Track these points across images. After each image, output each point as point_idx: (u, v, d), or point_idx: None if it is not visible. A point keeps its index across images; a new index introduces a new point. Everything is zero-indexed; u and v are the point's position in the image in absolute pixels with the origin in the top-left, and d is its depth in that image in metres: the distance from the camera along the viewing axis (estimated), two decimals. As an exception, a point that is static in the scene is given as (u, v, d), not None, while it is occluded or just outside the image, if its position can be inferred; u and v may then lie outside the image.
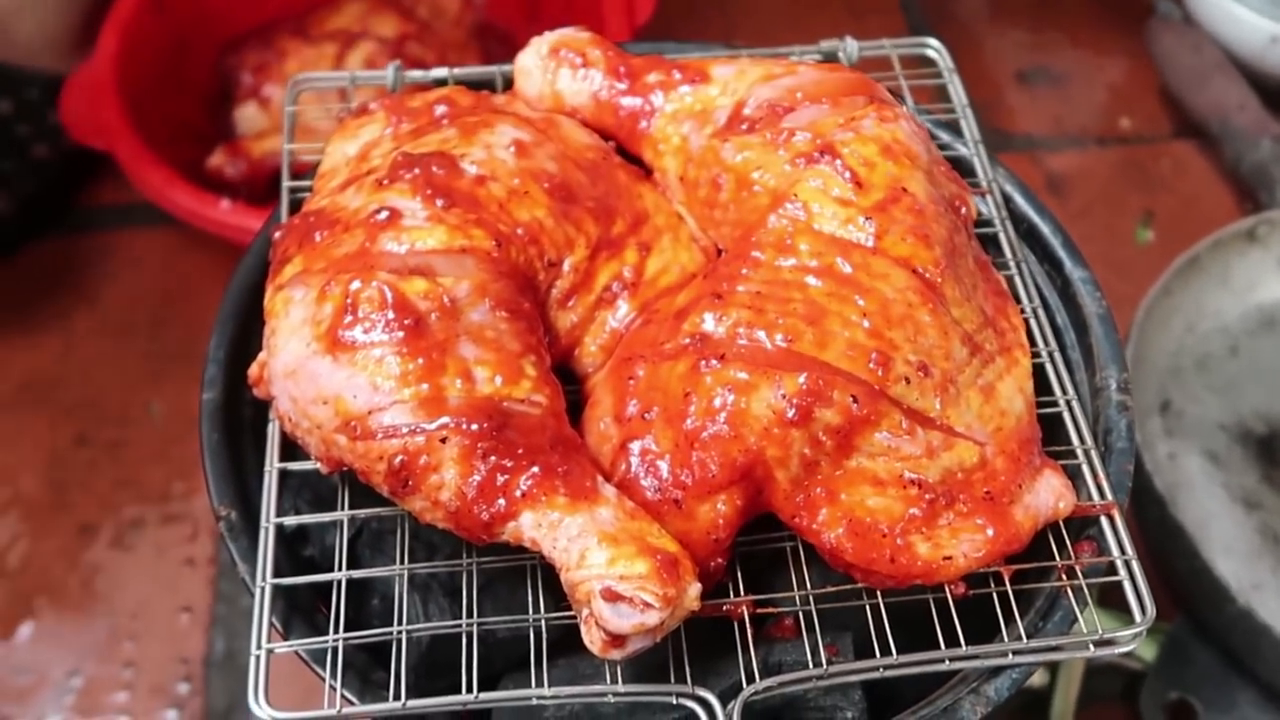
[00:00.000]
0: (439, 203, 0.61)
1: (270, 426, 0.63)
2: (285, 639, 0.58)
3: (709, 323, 0.59)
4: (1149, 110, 1.37)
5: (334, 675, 0.56)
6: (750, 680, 0.55)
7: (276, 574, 0.58)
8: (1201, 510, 1.03)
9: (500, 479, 0.54)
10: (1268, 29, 1.27)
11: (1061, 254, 0.72)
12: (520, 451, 0.55)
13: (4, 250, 1.21)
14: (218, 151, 1.18)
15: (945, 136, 0.77)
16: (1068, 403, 0.65)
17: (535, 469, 0.54)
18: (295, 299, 0.59)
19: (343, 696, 0.56)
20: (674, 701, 0.55)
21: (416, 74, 0.78)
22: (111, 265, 1.22)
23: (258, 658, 0.54)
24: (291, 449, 0.62)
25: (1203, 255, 1.12)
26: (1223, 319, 1.15)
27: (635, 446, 0.57)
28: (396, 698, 0.54)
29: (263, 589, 0.57)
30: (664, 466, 0.56)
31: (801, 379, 0.56)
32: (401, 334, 0.56)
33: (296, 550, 0.64)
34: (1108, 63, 1.42)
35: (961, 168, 0.73)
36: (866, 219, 0.60)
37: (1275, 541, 1.02)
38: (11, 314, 1.18)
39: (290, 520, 0.61)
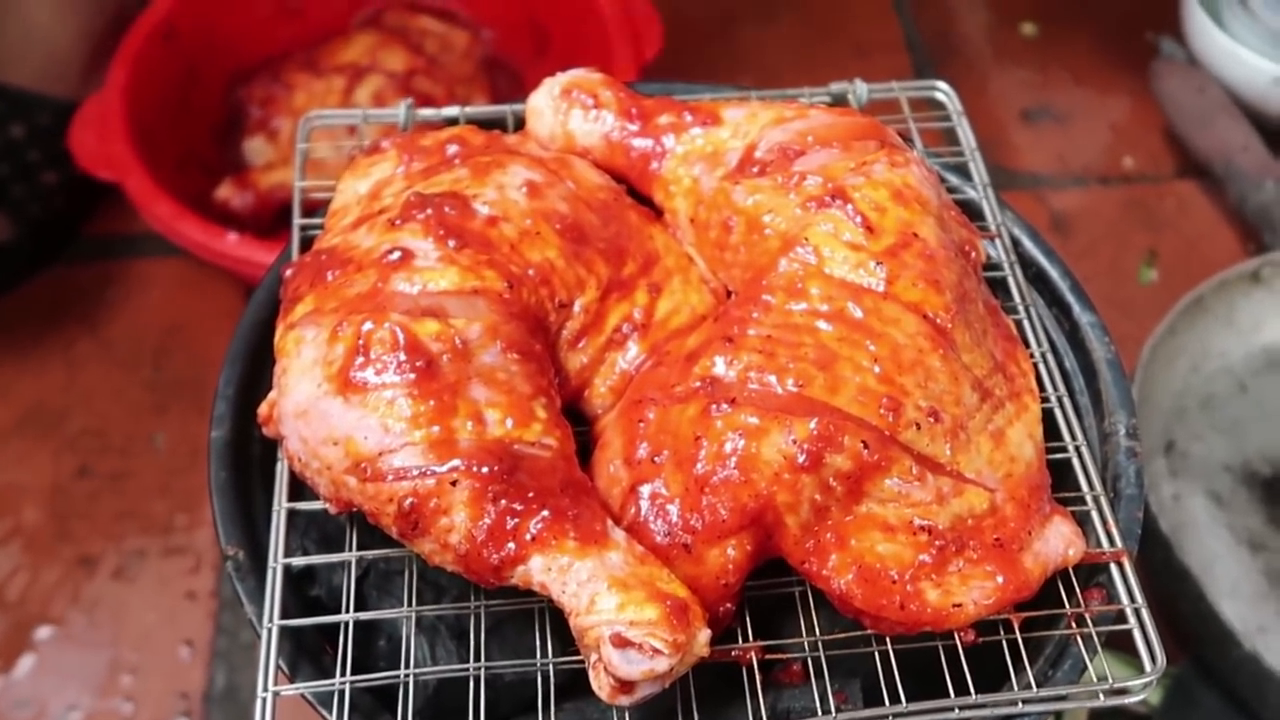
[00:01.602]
0: (451, 243, 0.61)
1: (279, 466, 0.63)
2: (292, 681, 0.57)
3: (720, 366, 0.59)
4: (1152, 150, 1.38)
5: (340, 718, 0.55)
6: (759, 727, 0.55)
7: (283, 615, 0.58)
8: (1206, 552, 1.03)
9: (510, 522, 0.54)
10: (1271, 71, 1.28)
11: (1070, 298, 0.72)
12: (530, 495, 0.55)
13: (13, 281, 1.21)
14: (225, 183, 1.18)
15: (954, 179, 0.77)
16: (1077, 449, 0.65)
17: (545, 512, 0.54)
18: (307, 339, 0.59)
19: (349, 740, 0.56)
20: (682, 748, 0.55)
21: (428, 112, 0.79)
22: (117, 295, 1.22)
23: (264, 700, 0.54)
24: (299, 488, 0.62)
25: (1207, 296, 1.12)
26: (1227, 360, 1.15)
27: (645, 490, 0.57)
28: (403, 742, 0.53)
29: (270, 630, 0.57)
30: (674, 510, 0.56)
31: (812, 424, 0.56)
32: (413, 376, 0.56)
33: (303, 590, 0.64)
34: (1111, 102, 1.43)
35: (970, 211, 0.73)
36: (877, 264, 0.60)
37: (1281, 584, 1.02)
38: (16, 342, 1.18)
39: (298, 561, 0.61)
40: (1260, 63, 1.29)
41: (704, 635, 0.52)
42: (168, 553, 1.05)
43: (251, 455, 0.67)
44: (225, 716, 0.96)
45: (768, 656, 0.58)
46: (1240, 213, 1.26)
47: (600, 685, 0.52)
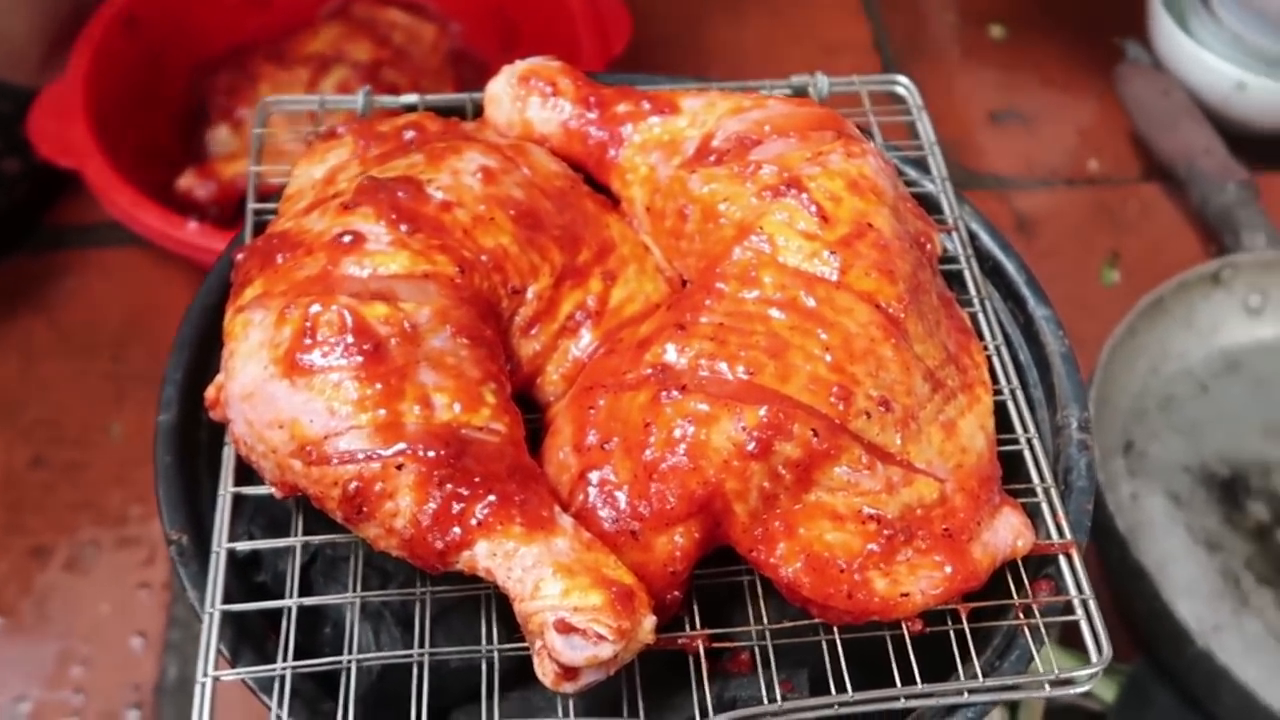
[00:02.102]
0: (403, 228, 0.61)
1: (225, 450, 0.62)
2: (233, 666, 0.57)
3: (671, 353, 0.58)
4: (1117, 152, 1.39)
5: (280, 705, 0.55)
6: (704, 715, 0.54)
7: (227, 600, 0.57)
8: (1163, 551, 1.04)
9: (456, 507, 0.53)
10: (1234, 75, 1.29)
11: (1025, 291, 0.72)
12: (477, 480, 0.54)
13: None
14: (188, 173, 1.17)
15: (913, 173, 0.77)
16: (1028, 441, 0.65)
17: (492, 498, 0.54)
18: (254, 321, 0.58)
19: (290, 726, 0.55)
20: (627, 736, 0.54)
21: (387, 99, 0.78)
22: (75, 284, 1.21)
23: (203, 685, 0.54)
24: (246, 473, 0.61)
25: (1167, 297, 1.13)
26: (1187, 361, 1.16)
27: (594, 476, 0.57)
28: (345, 728, 0.53)
29: (211, 615, 0.56)
30: (622, 497, 0.56)
31: (762, 412, 0.55)
32: (360, 359, 0.55)
33: (248, 576, 0.63)
34: (1077, 105, 1.43)
35: (928, 204, 0.73)
36: (831, 253, 0.60)
37: (1236, 584, 1.02)
38: (-29, 332, 1.17)
39: (243, 545, 0.60)
40: (1224, 67, 1.30)
41: (649, 622, 0.52)
42: (122, 544, 1.04)
43: (199, 440, 0.66)
44: (177, 708, 0.95)
45: (715, 645, 0.58)
46: (1202, 215, 1.27)
47: (544, 672, 0.52)
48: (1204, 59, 1.31)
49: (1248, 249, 1.19)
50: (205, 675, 0.54)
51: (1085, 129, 1.41)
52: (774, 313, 0.59)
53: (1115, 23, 1.47)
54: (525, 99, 0.71)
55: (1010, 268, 0.73)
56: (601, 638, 0.50)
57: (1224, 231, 1.24)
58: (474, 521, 0.53)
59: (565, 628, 0.50)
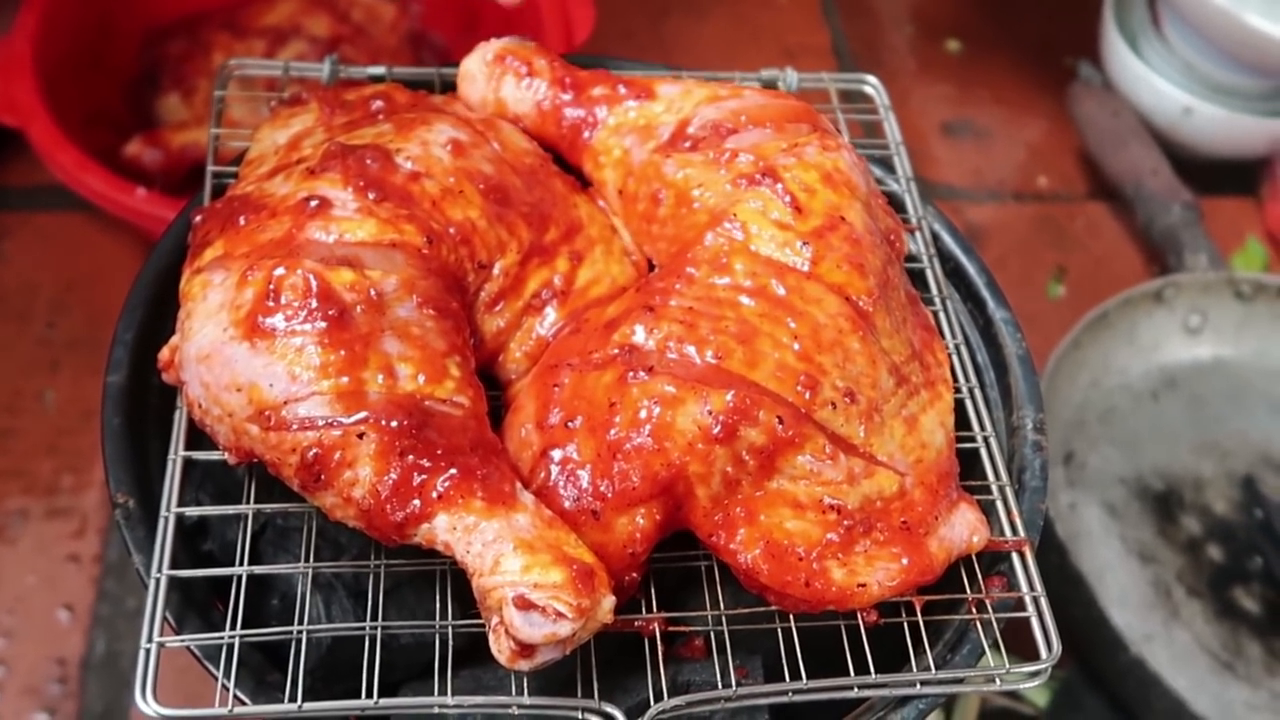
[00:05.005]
0: (371, 195, 0.60)
1: (177, 414, 0.61)
2: (178, 634, 0.55)
3: (639, 335, 0.58)
4: (1066, 170, 1.41)
5: (227, 674, 0.53)
6: (658, 698, 0.54)
7: (173, 567, 0.56)
8: (1099, 560, 1.05)
9: (417, 479, 0.53)
10: (1182, 100, 1.32)
11: (985, 294, 0.73)
12: (439, 452, 0.53)
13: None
14: (136, 140, 1.14)
15: (878, 172, 0.77)
16: (985, 439, 0.65)
17: (453, 471, 0.53)
18: (214, 282, 0.57)
19: (235, 696, 0.53)
20: (579, 716, 0.54)
21: (353, 69, 0.77)
22: (14, 247, 1.17)
23: (148, 651, 0.52)
24: (197, 438, 0.60)
25: (1112, 313, 1.15)
26: (1127, 376, 1.18)
27: (556, 455, 0.56)
28: (292, 699, 0.52)
29: (158, 580, 0.55)
30: (584, 476, 0.55)
31: (729, 396, 0.55)
32: (324, 324, 0.54)
33: (195, 545, 0.62)
34: (1029, 122, 1.46)
35: (893, 204, 0.74)
36: (803, 243, 0.60)
37: (1168, 595, 1.04)
38: (-99, 291, 1.13)
39: (192, 511, 0.59)
40: (1173, 91, 1.32)
41: (608, 602, 0.52)
42: (51, 514, 1.01)
43: (148, 405, 0.64)
44: (102, 685, 0.93)
45: (671, 629, 0.57)
46: (1147, 234, 1.30)
47: (500, 649, 0.51)
48: (1153, 82, 1.34)
49: (1190, 269, 1.22)
50: (150, 641, 0.52)
51: (1036, 145, 1.43)
52: (744, 299, 0.59)
53: (1069, 43, 1.50)
54: (500, 78, 0.71)
55: (971, 270, 0.74)
56: (561, 615, 0.50)
57: (1168, 251, 1.26)
58: (435, 494, 0.53)
59: (524, 604, 0.50)
